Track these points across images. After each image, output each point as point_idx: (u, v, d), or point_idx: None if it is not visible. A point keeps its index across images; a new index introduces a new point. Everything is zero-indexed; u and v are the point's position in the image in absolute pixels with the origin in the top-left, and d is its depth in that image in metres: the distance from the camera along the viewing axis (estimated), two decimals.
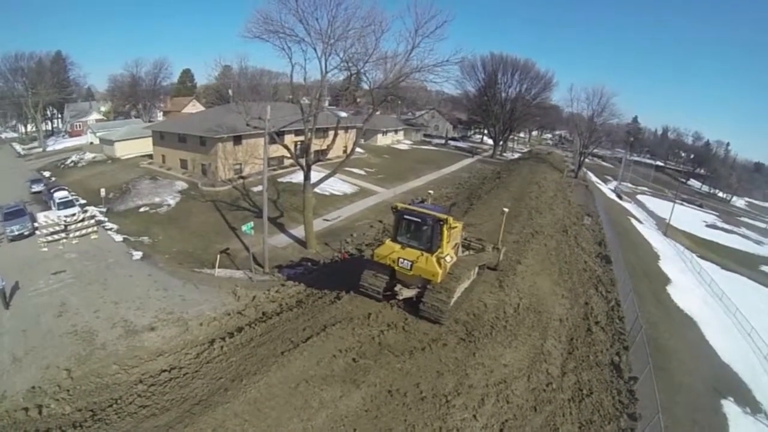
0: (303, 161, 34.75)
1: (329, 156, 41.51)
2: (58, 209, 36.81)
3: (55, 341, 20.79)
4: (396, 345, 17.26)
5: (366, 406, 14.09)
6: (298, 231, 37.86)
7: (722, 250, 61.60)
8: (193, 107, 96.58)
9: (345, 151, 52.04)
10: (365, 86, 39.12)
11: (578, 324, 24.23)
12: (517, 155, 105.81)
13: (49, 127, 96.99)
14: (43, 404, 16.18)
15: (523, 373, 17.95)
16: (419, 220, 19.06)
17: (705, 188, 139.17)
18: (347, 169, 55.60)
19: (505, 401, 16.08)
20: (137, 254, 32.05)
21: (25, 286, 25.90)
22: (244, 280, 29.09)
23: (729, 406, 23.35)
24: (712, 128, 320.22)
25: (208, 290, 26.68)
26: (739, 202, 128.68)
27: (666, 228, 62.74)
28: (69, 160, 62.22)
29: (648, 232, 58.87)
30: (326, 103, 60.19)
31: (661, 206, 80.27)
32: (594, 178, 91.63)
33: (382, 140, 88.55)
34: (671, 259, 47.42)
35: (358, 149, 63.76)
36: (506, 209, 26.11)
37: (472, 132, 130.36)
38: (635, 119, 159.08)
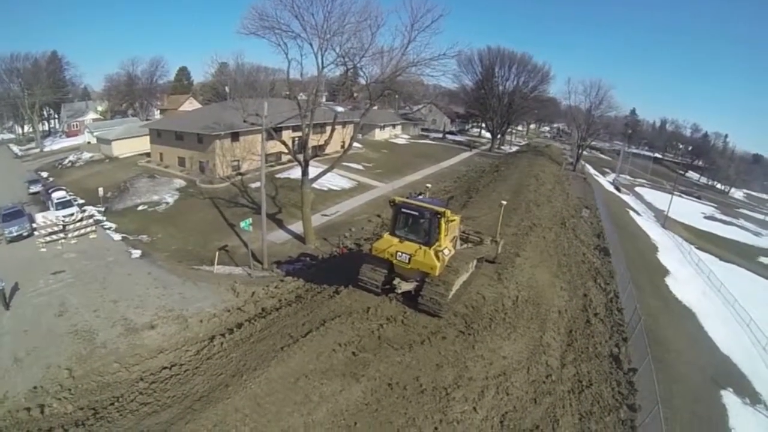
0: (301, 157, 34.77)
1: (327, 151, 41.51)
2: (57, 209, 36.91)
3: (56, 341, 20.87)
4: (395, 338, 17.25)
5: (366, 400, 14.11)
6: (297, 227, 37.91)
7: (720, 241, 61.63)
8: (190, 105, 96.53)
9: (343, 147, 51.98)
10: (362, 81, 39.13)
11: (577, 316, 24.21)
12: (515, 148, 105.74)
13: (46, 128, 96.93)
14: (45, 404, 16.24)
15: (523, 365, 17.94)
16: (417, 213, 19.03)
17: (703, 180, 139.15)
18: (345, 164, 55.62)
19: (505, 393, 16.09)
20: (136, 253, 32.10)
21: (24, 287, 25.96)
22: (243, 276, 29.16)
23: (728, 397, 23.44)
24: (711, 120, 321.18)
25: (207, 287, 26.77)
26: (738, 193, 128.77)
27: (664, 220, 62.78)
28: (66, 160, 62.27)
29: (646, 224, 58.97)
30: (323, 99, 60.07)
31: (659, 198, 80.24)
32: (592, 171, 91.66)
33: (379, 135, 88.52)
34: (670, 251, 47.50)
35: (355, 144, 63.75)
36: (504, 202, 26.07)
37: (470, 126, 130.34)
38: (633, 111, 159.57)
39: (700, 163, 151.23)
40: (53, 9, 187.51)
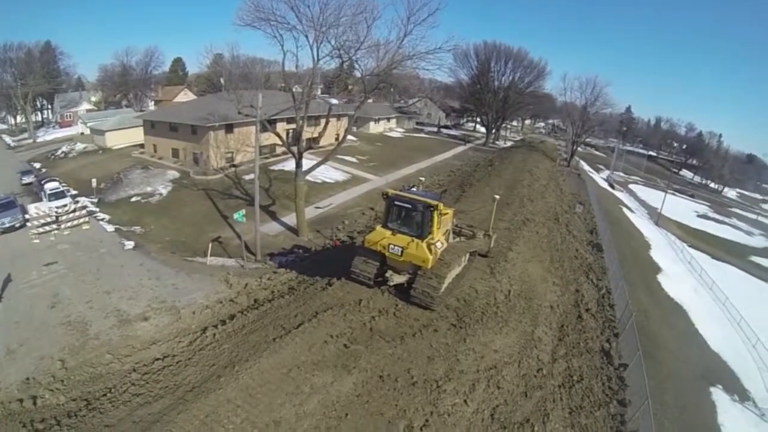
0: (295, 149, 34.70)
1: (321, 144, 41.41)
2: (49, 200, 36.75)
3: (49, 332, 20.80)
4: (387, 331, 17.31)
5: (357, 391, 14.17)
6: (290, 219, 37.88)
7: (713, 240, 62.07)
8: (185, 96, 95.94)
9: (337, 139, 51.95)
10: (357, 74, 39.08)
11: (569, 311, 24.38)
12: (509, 143, 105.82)
13: (39, 118, 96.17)
14: (37, 395, 16.17)
15: (514, 359, 18.06)
16: (410, 206, 19.06)
17: (697, 179, 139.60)
18: (339, 156, 55.61)
19: (496, 387, 16.20)
20: (129, 244, 32.00)
21: (17, 278, 25.82)
22: (236, 268, 29.14)
23: (717, 394, 23.70)
24: (705, 120, 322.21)
25: (200, 278, 26.74)
26: (731, 193, 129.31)
27: (657, 217, 63.17)
28: (59, 151, 61.87)
29: (639, 221, 59.28)
30: (318, 91, 59.92)
31: (653, 196, 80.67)
32: (586, 167, 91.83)
33: (374, 128, 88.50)
34: (662, 248, 47.81)
35: (350, 137, 63.66)
36: (497, 196, 26.17)
37: (465, 120, 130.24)
38: (628, 109, 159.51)
39: (694, 161, 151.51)
40: None
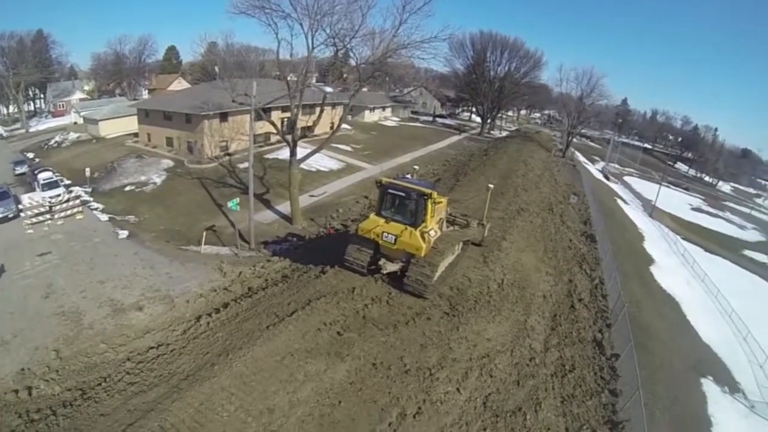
0: (289, 137, 34.62)
1: (316, 132, 41.30)
2: (43, 190, 36.53)
3: (43, 323, 20.78)
4: (380, 318, 17.39)
5: (350, 379, 14.27)
6: (284, 207, 37.88)
7: (706, 233, 62.43)
8: (179, 84, 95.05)
9: (332, 128, 51.76)
10: (352, 62, 38.92)
11: (562, 301, 24.54)
12: (505, 133, 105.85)
13: (32, 108, 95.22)
14: (32, 385, 16.18)
15: (507, 348, 18.20)
16: (404, 194, 19.07)
17: (692, 172, 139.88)
18: (334, 145, 55.47)
19: (489, 375, 16.34)
20: (123, 233, 31.92)
21: (11, 269, 25.73)
22: (230, 256, 29.17)
23: (708, 385, 23.88)
24: (701, 113, 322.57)
25: (194, 267, 26.75)
26: (725, 186, 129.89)
27: (652, 209, 63.46)
28: (53, 141, 61.37)
29: (634, 212, 59.56)
30: (313, 80, 59.60)
31: (647, 188, 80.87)
32: (581, 158, 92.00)
33: (369, 117, 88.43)
34: (656, 240, 48.07)
35: (345, 126, 63.51)
36: (491, 185, 26.20)
37: (460, 110, 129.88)
38: (624, 101, 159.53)
39: (690, 155, 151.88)
40: None
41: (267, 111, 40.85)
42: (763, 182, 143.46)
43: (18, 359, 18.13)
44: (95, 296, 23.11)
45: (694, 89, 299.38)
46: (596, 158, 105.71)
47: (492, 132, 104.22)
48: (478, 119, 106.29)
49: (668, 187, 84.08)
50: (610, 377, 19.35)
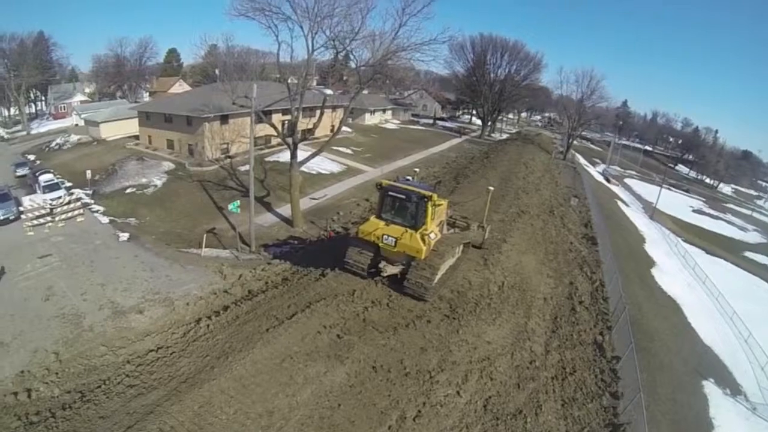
0: (290, 140, 34.61)
1: (316, 135, 41.26)
2: (44, 192, 36.57)
3: (43, 325, 20.76)
4: (380, 321, 17.39)
5: (350, 382, 14.26)
6: (285, 210, 37.82)
7: (707, 235, 62.30)
8: (180, 87, 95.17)
9: (332, 130, 51.83)
10: (352, 65, 38.98)
11: (563, 303, 24.45)
12: (505, 136, 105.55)
13: (33, 110, 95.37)
14: (32, 388, 16.19)
15: (507, 351, 18.18)
16: (404, 196, 19.07)
17: (692, 174, 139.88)
18: (334, 148, 55.52)
19: (489, 378, 16.32)
20: (124, 236, 31.90)
21: (11, 271, 25.73)
22: (230, 259, 29.14)
23: (709, 387, 23.77)
24: (702, 115, 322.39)
25: (194, 270, 26.74)
26: (726, 188, 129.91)
27: (653, 212, 63.35)
28: (54, 143, 61.40)
29: (634, 215, 59.41)
30: (314, 82, 59.69)
31: (648, 190, 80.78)
32: (582, 161, 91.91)
33: (369, 119, 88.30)
34: (657, 243, 47.93)
35: (345, 128, 63.50)
36: (491, 188, 26.20)
37: (461, 112, 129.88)
38: (625, 103, 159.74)
39: (690, 157, 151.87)
40: None
41: (267, 114, 40.92)
42: (764, 184, 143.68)
43: (18, 361, 18.12)
44: (95, 299, 23.09)
45: (694, 91, 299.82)
46: (597, 160, 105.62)
47: (492, 134, 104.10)
48: (479, 122, 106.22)
49: (669, 189, 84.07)
50: (611, 380, 19.24)
